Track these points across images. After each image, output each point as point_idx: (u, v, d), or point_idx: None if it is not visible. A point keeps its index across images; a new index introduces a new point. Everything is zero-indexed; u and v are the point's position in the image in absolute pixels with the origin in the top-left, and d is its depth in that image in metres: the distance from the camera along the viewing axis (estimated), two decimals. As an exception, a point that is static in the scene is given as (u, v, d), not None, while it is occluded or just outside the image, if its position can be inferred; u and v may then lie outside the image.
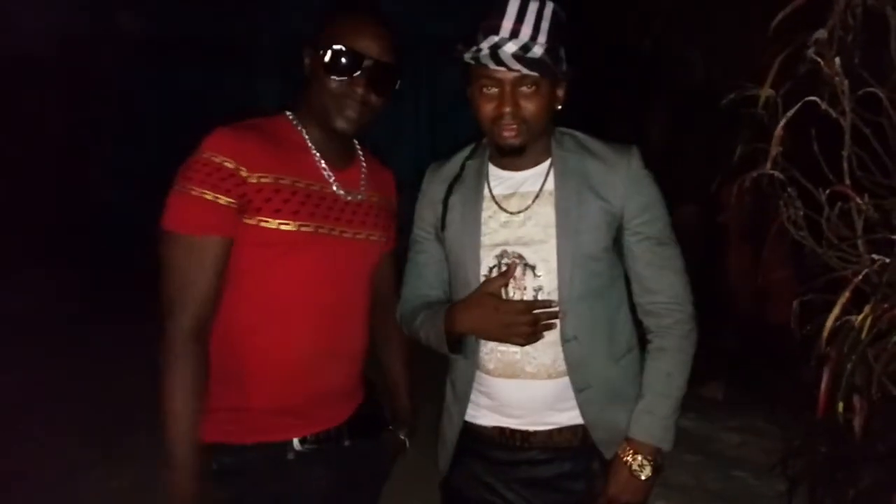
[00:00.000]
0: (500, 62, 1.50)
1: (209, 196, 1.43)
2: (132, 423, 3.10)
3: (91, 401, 4.18)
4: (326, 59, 1.53)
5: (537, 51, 1.53)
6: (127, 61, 9.24)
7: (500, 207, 1.68)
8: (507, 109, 1.55)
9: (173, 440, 1.41)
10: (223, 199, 1.44)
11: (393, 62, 1.58)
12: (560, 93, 1.65)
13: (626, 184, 1.64)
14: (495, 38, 1.54)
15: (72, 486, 3.51)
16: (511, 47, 1.51)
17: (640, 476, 1.61)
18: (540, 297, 1.64)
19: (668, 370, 1.66)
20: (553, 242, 1.62)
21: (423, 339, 1.74)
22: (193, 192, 1.43)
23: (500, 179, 1.72)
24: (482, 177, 1.73)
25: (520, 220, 1.66)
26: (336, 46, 1.52)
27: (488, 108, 1.58)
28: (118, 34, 9.17)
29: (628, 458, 1.63)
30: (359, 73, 1.53)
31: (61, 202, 8.69)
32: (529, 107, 1.57)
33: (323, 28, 1.57)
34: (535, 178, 1.69)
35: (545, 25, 1.55)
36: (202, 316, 1.45)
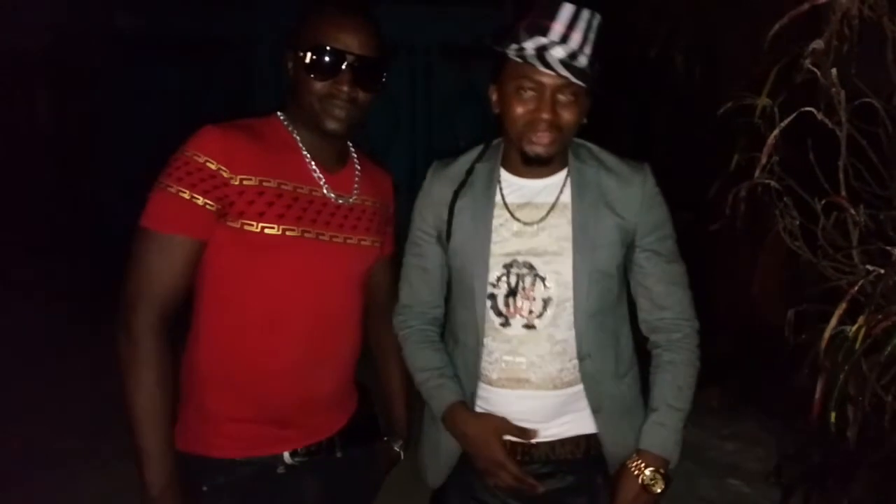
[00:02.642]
0: (547, 65, 1.44)
1: (186, 195, 1.39)
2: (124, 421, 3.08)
3: (86, 399, 4.17)
4: (307, 60, 1.47)
5: (583, 60, 1.47)
6: (123, 59, 9.21)
7: (513, 216, 1.62)
8: (546, 116, 1.48)
9: (144, 438, 1.38)
10: (200, 200, 1.39)
11: (376, 55, 1.51)
12: (587, 108, 1.59)
13: (641, 201, 1.60)
14: (543, 40, 1.46)
15: (64, 483, 3.49)
16: (559, 52, 1.45)
17: (653, 489, 1.57)
18: (549, 309, 1.60)
19: (680, 384, 1.64)
20: (566, 256, 1.58)
21: (416, 382, 1.73)
22: (171, 190, 1.39)
23: (514, 187, 1.65)
24: (494, 182, 1.66)
25: (533, 231, 1.61)
26: (316, 46, 1.46)
27: (523, 112, 1.51)
28: (114, 32, 9.15)
29: (640, 471, 1.58)
30: (342, 71, 1.47)
31: (57, 201, 8.67)
32: (566, 116, 1.50)
33: (301, 27, 1.51)
34: (552, 189, 1.63)
35: (592, 37, 1.50)
36: (165, 313, 1.41)
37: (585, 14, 1.49)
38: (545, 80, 1.47)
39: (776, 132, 1.60)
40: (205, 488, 1.48)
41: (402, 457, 1.86)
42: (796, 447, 2.43)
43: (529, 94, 1.50)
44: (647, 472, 1.57)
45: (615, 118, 6.34)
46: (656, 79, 5.68)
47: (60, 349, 5.25)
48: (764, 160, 1.63)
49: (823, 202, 1.62)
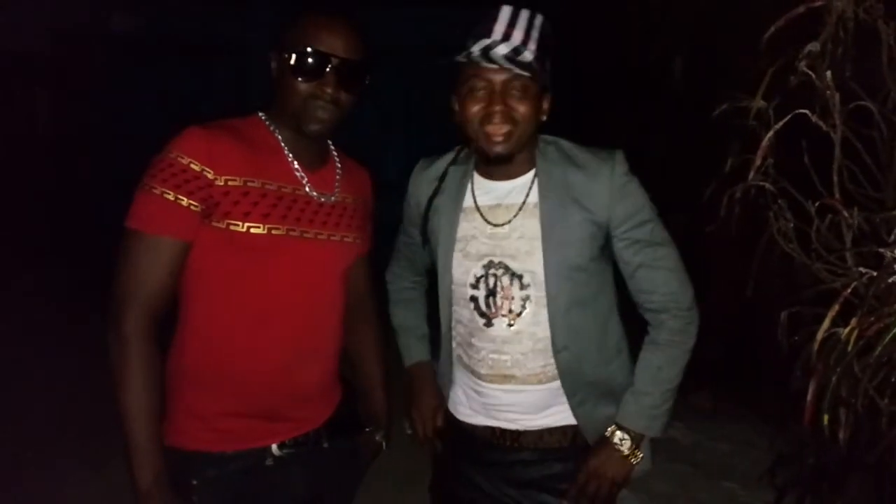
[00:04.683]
0: (491, 60, 1.50)
1: (170, 196, 1.40)
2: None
3: (82, 400, 4.16)
4: (293, 61, 1.49)
5: (528, 55, 1.52)
6: (121, 61, 9.23)
7: (485, 220, 1.67)
8: (498, 108, 1.54)
9: (134, 437, 1.40)
10: (185, 201, 1.41)
11: (360, 59, 1.54)
12: (545, 105, 1.64)
13: (610, 192, 1.61)
14: (487, 41, 1.53)
15: (57, 485, 3.49)
16: (503, 49, 1.51)
17: (619, 449, 1.64)
18: (528, 307, 1.64)
19: (659, 364, 1.66)
20: (538, 254, 1.62)
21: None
22: (155, 191, 1.40)
23: (485, 189, 1.70)
24: (466, 186, 1.72)
25: (504, 232, 1.65)
26: (301, 48, 1.49)
27: (477, 109, 1.56)
28: (112, 35, 9.16)
29: (611, 435, 1.65)
30: (326, 73, 1.50)
31: (57, 201, 8.67)
32: (519, 108, 1.55)
33: (287, 30, 1.53)
34: (520, 190, 1.67)
35: (535, 34, 1.56)
36: (153, 313, 1.43)
37: (525, 14, 1.57)
38: (493, 76, 1.54)
39: (770, 134, 1.60)
40: (195, 482, 1.49)
41: (384, 447, 1.88)
42: (791, 449, 2.43)
43: (481, 92, 1.56)
44: (617, 436, 1.65)
45: (614, 121, 6.36)
46: (656, 82, 5.70)
47: (60, 349, 5.24)
48: (758, 162, 1.64)
49: (818, 204, 1.62)
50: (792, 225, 1.70)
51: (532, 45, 1.54)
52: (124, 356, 1.40)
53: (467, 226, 1.69)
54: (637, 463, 1.67)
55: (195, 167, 1.42)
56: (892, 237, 1.51)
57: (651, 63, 5.55)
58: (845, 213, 1.56)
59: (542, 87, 1.60)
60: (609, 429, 1.67)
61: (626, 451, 1.64)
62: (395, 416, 1.92)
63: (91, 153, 9.10)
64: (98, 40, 9.04)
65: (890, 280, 1.42)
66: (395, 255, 1.98)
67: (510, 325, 1.65)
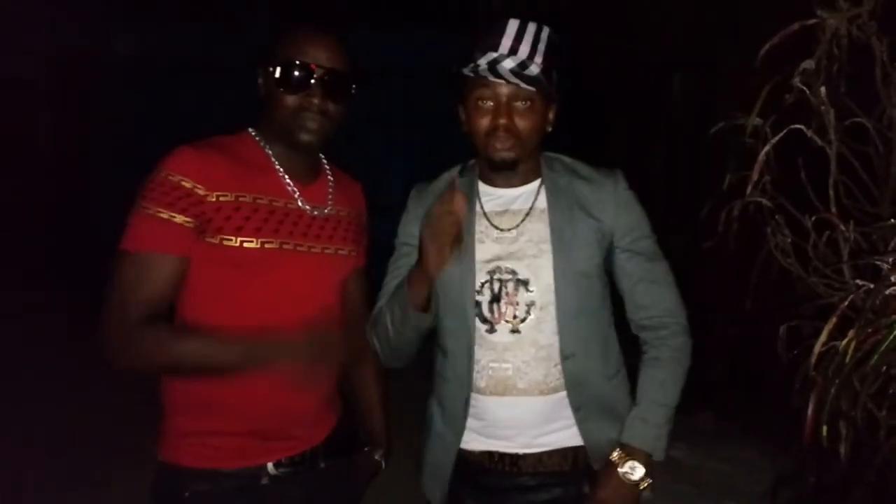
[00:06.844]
0: (498, 75, 1.54)
1: (164, 215, 1.41)
2: (124, 434, 3.13)
3: (83, 414, 4.17)
4: (278, 75, 1.52)
5: (534, 69, 1.56)
6: (123, 82, 9.30)
7: (492, 224, 1.69)
8: (503, 122, 1.57)
9: (225, 357, 1.45)
10: (179, 218, 1.42)
11: (345, 69, 1.57)
12: (551, 116, 1.68)
13: (615, 202, 1.67)
14: (494, 54, 1.57)
15: (58, 500, 3.49)
16: (509, 63, 1.56)
17: (630, 477, 1.60)
18: (532, 313, 1.64)
19: (662, 379, 1.66)
20: (545, 258, 1.64)
21: (389, 326, 1.67)
22: (148, 211, 1.42)
23: (491, 196, 1.72)
24: (473, 194, 1.73)
25: (512, 237, 1.67)
26: (286, 61, 1.52)
27: (483, 122, 1.60)
28: (114, 56, 9.24)
29: (619, 461, 1.62)
30: (312, 84, 1.53)
31: (59, 221, 8.70)
32: (523, 123, 1.59)
33: (272, 46, 1.56)
34: (527, 196, 1.70)
35: (542, 47, 1.60)
36: (152, 308, 1.42)
37: (532, 27, 1.61)
38: (499, 90, 1.58)
39: (766, 149, 1.62)
40: (187, 494, 1.48)
41: (383, 466, 1.87)
42: (792, 468, 2.42)
43: (488, 104, 1.60)
44: (627, 464, 1.61)
45: (612, 141, 6.39)
46: (654, 101, 5.73)
47: (60, 364, 5.25)
48: (755, 177, 1.65)
49: (814, 219, 1.63)
50: (789, 240, 1.71)
51: (538, 59, 1.59)
52: (135, 343, 1.40)
53: (475, 229, 1.70)
54: (645, 489, 1.63)
55: (186, 184, 1.43)
56: (890, 246, 1.52)
57: (649, 81, 5.59)
58: (842, 227, 1.57)
59: (548, 99, 1.64)
60: (616, 455, 1.64)
61: (636, 479, 1.61)
62: (395, 435, 1.90)
63: (91, 171, 9.14)
64: (98, 61, 9.11)
65: (887, 292, 1.42)
66: (383, 290, 1.81)
67: (513, 332, 1.64)
